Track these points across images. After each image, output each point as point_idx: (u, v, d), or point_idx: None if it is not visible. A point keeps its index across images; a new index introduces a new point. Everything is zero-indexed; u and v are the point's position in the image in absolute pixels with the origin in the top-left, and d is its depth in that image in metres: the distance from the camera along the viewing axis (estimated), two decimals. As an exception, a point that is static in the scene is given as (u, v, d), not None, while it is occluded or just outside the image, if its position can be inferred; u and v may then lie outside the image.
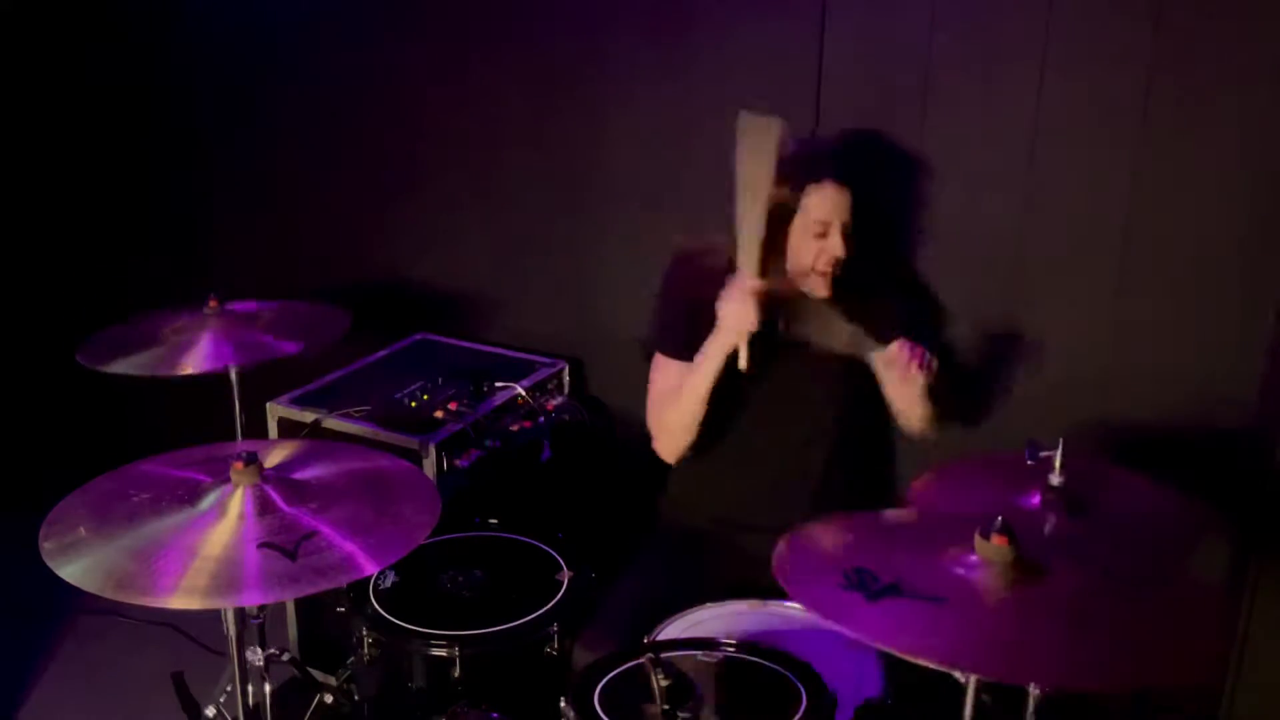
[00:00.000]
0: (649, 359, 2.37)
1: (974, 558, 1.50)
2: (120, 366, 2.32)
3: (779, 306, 2.19)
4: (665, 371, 2.32)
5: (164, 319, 2.51)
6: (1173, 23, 2.17)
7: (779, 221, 2.17)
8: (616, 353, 2.88)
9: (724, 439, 2.28)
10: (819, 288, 2.23)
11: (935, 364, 2.16)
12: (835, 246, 2.18)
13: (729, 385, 2.20)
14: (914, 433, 2.35)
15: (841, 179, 2.18)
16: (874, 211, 2.24)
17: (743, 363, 2.13)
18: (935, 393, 2.22)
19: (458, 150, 3.00)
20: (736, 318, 2.12)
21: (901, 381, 2.18)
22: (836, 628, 1.38)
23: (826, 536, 1.69)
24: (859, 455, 2.40)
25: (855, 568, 1.49)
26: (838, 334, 2.23)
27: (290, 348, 2.39)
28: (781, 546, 1.61)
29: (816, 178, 2.17)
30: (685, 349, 2.25)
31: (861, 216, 2.20)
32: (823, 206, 2.17)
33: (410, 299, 3.15)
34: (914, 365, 2.14)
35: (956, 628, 1.40)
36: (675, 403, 2.26)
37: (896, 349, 2.15)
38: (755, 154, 2.07)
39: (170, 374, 2.31)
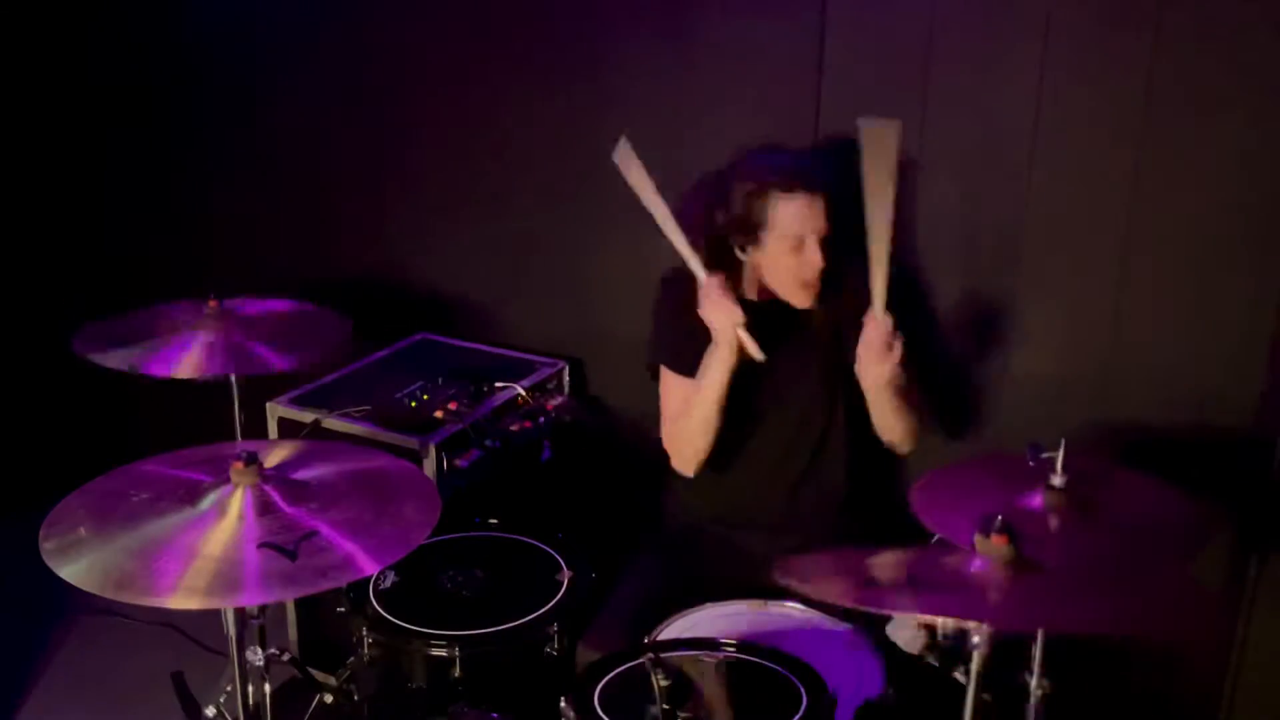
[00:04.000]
0: (655, 378, 2.37)
1: (975, 559, 1.50)
2: (116, 362, 2.31)
3: (763, 318, 2.19)
4: (676, 389, 2.31)
5: (163, 318, 2.50)
6: (1174, 22, 2.17)
7: (743, 237, 2.19)
8: (616, 353, 2.87)
9: (725, 440, 2.28)
10: (802, 300, 2.23)
11: (901, 348, 2.09)
12: (814, 259, 2.16)
13: (732, 389, 2.20)
14: (894, 447, 2.35)
15: (815, 188, 2.15)
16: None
17: (755, 353, 2.11)
18: (914, 398, 2.22)
19: (458, 150, 3.00)
20: (720, 316, 2.12)
21: (877, 362, 2.11)
22: (881, 610, 1.38)
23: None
24: (861, 456, 2.40)
25: (868, 577, 1.49)
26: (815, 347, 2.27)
27: (286, 363, 2.36)
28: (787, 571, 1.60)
29: (787, 189, 2.15)
30: (692, 365, 2.25)
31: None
32: (795, 220, 2.15)
33: (410, 299, 3.15)
34: (888, 342, 2.07)
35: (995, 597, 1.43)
36: (688, 418, 2.26)
37: (871, 329, 2.09)
38: (632, 175, 2.16)
39: (165, 375, 2.30)
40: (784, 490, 2.33)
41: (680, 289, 2.26)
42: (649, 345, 2.39)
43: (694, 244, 2.17)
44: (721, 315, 2.12)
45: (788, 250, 2.17)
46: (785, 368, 2.26)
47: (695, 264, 2.15)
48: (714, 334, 2.15)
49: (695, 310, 2.18)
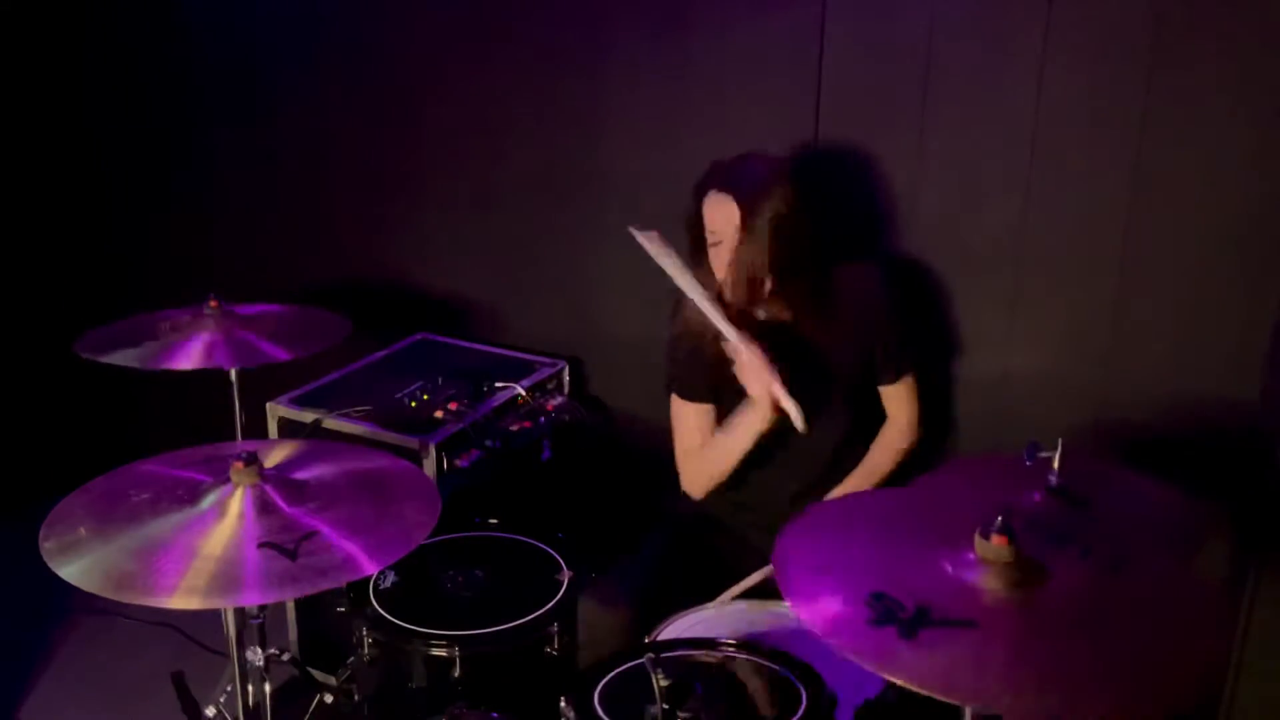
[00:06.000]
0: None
1: (973, 558, 1.50)
2: (116, 359, 2.32)
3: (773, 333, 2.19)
4: (688, 417, 2.31)
5: (164, 317, 2.51)
6: (1173, 21, 2.18)
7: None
8: (616, 353, 2.88)
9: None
10: (738, 302, 2.17)
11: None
12: (723, 253, 2.14)
13: (738, 392, 2.19)
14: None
15: (729, 187, 2.12)
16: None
17: (799, 424, 2.08)
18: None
19: (457, 151, 3.00)
20: (758, 386, 2.08)
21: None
22: (896, 679, 1.35)
23: (820, 542, 1.68)
24: (864, 455, 2.40)
25: (873, 594, 1.47)
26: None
27: (286, 355, 2.39)
28: (781, 559, 1.59)
29: (705, 191, 2.16)
30: (704, 392, 2.25)
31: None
32: (711, 218, 2.15)
33: (410, 299, 3.16)
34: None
35: (1004, 659, 1.38)
36: (704, 458, 2.27)
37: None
38: (661, 258, 2.10)
39: (165, 368, 2.32)
40: (792, 492, 2.33)
41: (689, 315, 2.24)
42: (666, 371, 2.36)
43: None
44: (759, 385, 2.09)
45: (713, 249, 2.16)
46: (800, 381, 2.26)
47: (725, 325, 2.10)
48: (751, 399, 2.12)
49: (704, 337, 2.18)
